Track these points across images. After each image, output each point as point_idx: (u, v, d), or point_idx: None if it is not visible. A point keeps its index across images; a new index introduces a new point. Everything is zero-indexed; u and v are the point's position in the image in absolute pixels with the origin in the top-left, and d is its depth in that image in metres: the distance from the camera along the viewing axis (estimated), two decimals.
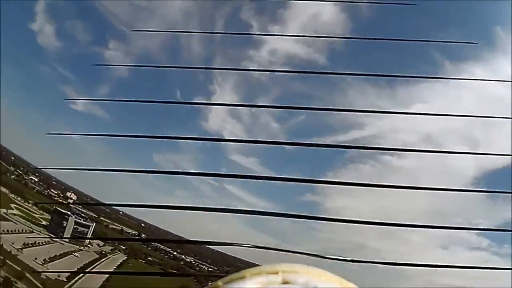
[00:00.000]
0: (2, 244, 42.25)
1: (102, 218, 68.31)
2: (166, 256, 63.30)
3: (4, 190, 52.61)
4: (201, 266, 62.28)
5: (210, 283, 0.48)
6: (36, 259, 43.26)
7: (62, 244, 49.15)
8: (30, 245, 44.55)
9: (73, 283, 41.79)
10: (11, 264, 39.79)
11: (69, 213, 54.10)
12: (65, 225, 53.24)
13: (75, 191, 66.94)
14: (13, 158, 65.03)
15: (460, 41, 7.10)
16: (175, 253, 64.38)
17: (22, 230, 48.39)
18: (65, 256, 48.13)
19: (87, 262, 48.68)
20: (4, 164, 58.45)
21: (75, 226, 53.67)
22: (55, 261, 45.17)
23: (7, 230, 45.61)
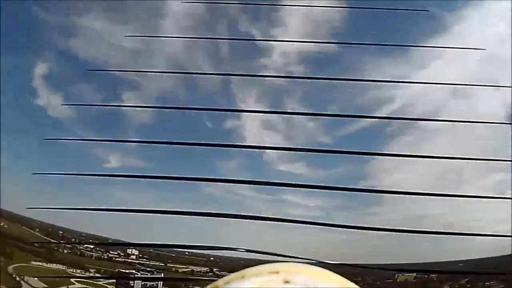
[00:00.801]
0: None
1: (170, 265, 63.09)
2: None
3: (61, 267, 48.59)
4: None
5: (210, 283, 0.49)
6: None
7: None
8: None
9: None
10: None
11: (134, 271, 48.97)
12: (132, 285, 48.10)
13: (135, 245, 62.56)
14: (61, 232, 62.08)
15: None
16: None
17: None
18: None
19: None
20: (52, 240, 55.30)
21: (143, 283, 48.40)
22: None
23: None
